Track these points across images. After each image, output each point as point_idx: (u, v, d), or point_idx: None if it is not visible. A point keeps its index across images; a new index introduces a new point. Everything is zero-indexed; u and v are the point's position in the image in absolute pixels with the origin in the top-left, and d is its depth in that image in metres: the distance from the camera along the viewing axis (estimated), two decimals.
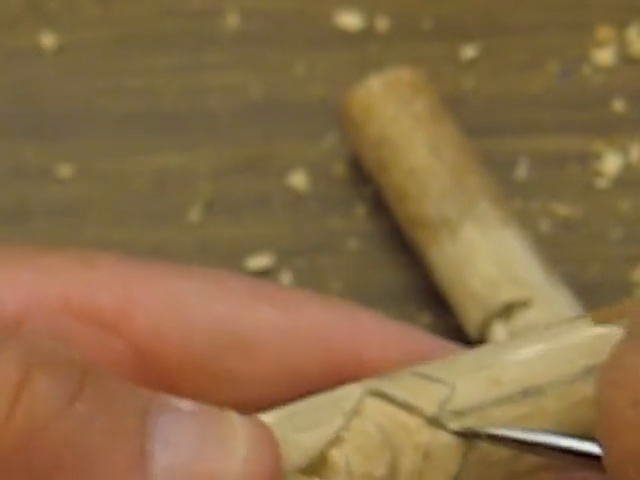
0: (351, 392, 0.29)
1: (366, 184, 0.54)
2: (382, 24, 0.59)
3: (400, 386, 0.29)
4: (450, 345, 0.35)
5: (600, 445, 0.23)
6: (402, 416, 0.28)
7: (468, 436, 0.28)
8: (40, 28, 0.60)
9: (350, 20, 0.59)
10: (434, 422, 0.28)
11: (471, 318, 0.48)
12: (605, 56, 0.57)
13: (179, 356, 0.32)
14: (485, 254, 0.49)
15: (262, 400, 0.31)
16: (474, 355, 0.30)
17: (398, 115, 0.52)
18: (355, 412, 0.28)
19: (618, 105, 0.56)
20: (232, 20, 0.59)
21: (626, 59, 0.58)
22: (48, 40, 0.60)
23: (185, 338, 0.32)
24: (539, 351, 0.29)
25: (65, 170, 0.56)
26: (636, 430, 0.21)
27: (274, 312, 0.33)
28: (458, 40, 0.58)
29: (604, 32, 0.58)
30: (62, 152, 0.56)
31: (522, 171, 0.55)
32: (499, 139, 0.56)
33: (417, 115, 0.53)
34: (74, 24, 0.60)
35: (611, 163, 0.54)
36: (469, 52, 0.58)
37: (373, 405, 0.29)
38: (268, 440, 0.27)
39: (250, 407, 0.28)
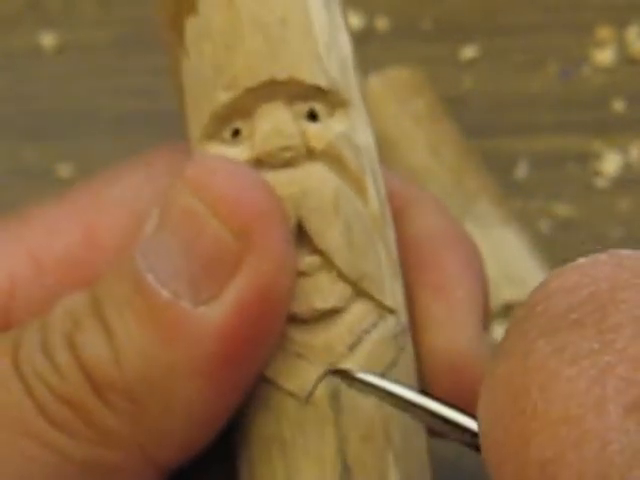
0: None
1: None
2: (382, 24, 0.59)
3: None
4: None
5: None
6: None
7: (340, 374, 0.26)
8: (40, 28, 0.60)
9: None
10: None
11: None
12: (605, 56, 0.57)
13: None
14: (485, 254, 0.49)
15: None
16: None
17: (398, 115, 0.52)
18: None
19: (618, 105, 0.56)
20: None
21: (626, 59, 0.58)
22: (48, 40, 0.60)
23: None
24: None
25: (65, 170, 0.56)
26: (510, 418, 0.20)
27: None
28: (458, 40, 0.58)
29: (604, 32, 0.58)
30: (62, 152, 0.56)
31: (522, 171, 0.55)
32: (499, 139, 0.56)
33: (417, 115, 0.53)
34: (74, 24, 0.60)
35: (611, 163, 0.54)
36: (469, 52, 0.58)
37: None
38: None
39: None
